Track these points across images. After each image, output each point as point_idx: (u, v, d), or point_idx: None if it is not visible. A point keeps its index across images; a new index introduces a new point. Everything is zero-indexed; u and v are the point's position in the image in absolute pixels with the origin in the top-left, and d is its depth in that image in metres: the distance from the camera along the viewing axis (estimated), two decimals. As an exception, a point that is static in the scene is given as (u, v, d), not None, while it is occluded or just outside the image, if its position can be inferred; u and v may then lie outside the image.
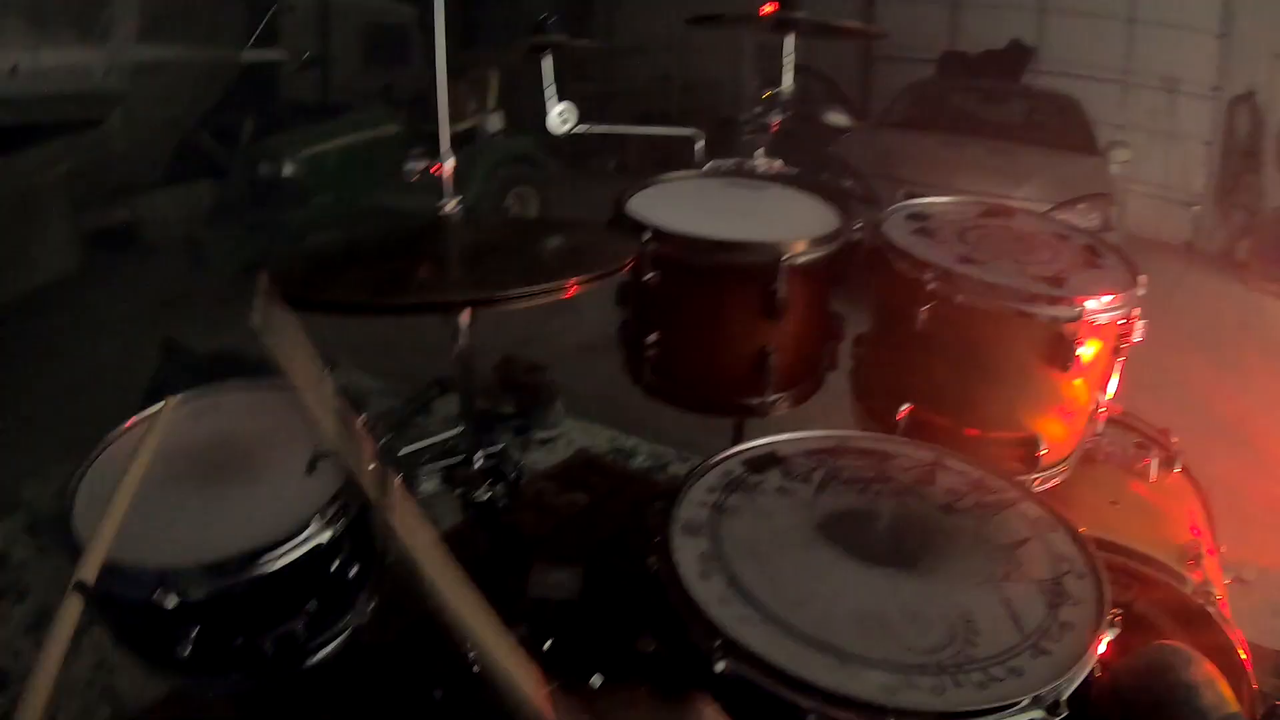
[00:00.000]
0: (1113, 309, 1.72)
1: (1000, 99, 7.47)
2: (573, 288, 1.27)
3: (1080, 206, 5.77)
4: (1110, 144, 6.68)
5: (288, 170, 6.17)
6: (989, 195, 5.18)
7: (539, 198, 7.35)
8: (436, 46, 1.52)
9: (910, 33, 8.11)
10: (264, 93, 7.85)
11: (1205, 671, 1.44)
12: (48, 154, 5.77)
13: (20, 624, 2.70)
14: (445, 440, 1.76)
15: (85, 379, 4.55)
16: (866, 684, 1.06)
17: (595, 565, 2.46)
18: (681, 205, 2.10)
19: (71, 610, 1.21)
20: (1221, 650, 1.63)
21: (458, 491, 1.67)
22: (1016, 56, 8.08)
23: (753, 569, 1.25)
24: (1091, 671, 1.15)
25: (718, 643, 1.10)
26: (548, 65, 2.02)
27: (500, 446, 1.67)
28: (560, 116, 2.00)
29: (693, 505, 1.40)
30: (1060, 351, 1.69)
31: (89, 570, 1.25)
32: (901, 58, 8.90)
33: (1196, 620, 1.74)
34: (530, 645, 1.82)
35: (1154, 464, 2.23)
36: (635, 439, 3.75)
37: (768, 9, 2.40)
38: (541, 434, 3.61)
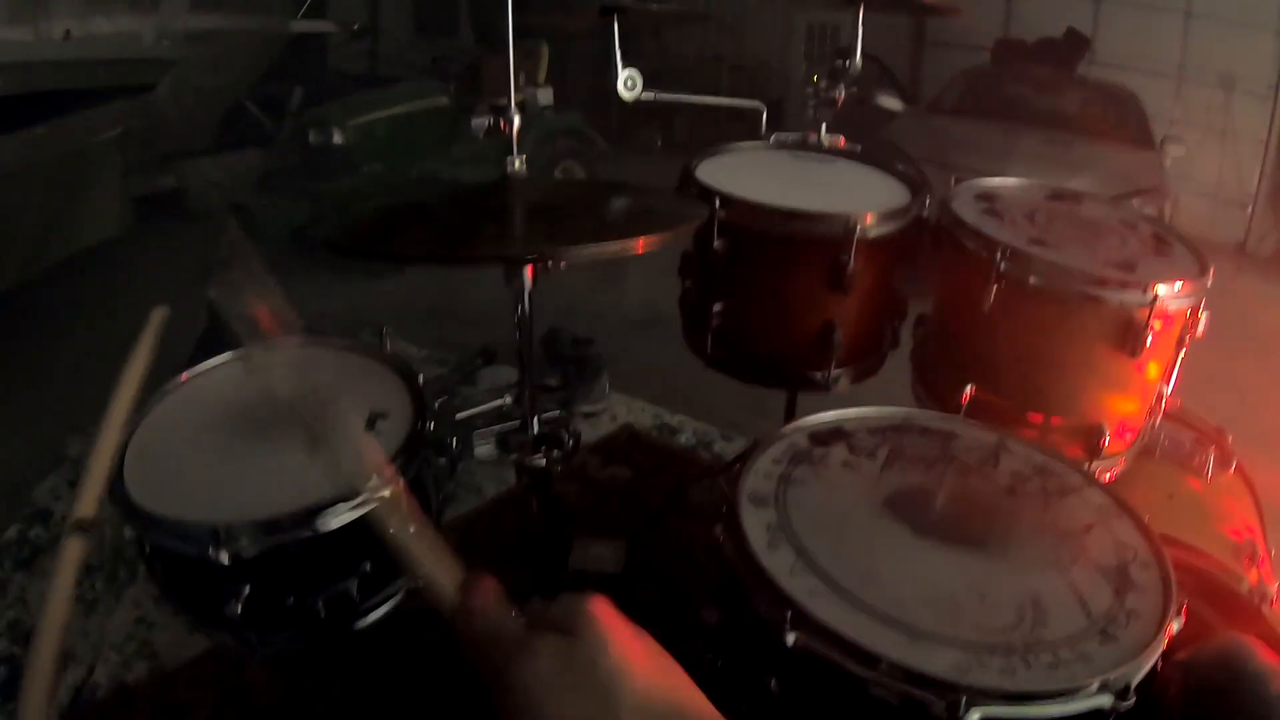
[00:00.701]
0: (1184, 297, 1.67)
1: (1055, 89, 7.36)
2: (642, 245, 1.24)
3: (1134, 201, 5.69)
4: (1165, 139, 6.57)
5: (338, 138, 6.23)
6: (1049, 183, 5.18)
7: (586, 173, 7.36)
8: (504, 17, 1.50)
9: (964, 18, 8.00)
10: (313, 63, 7.92)
11: (1272, 662, 1.41)
12: (98, 119, 5.85)
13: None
14: (498, 407, 1.75)
15: (130, 340, 4.60)
16: (939, 661, 1.04)
17: (637, 540, 2.46)
18: (750, 175, 2.07)
19: (73, 551, 1.20)
20: (1276, 651, 1.60)
21: (512, 457, 1.66)
22: (1073, 46, 7.95)
23: (821, 542, 1.23)
24: (1155, 666, 1.13)
25: (789, 614, 1.08)
26: (615, 30, 1.99)
27: (556, 413, 1.66)
28: (627, 81, 1.98)
29: (759, 476, 1.38)
30: (1130, 337, 1.66)
31: (87, 505, 1.24)
32: (955, 44, 8.82)
33: (1252, 619, 1.70)
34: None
35: (1210, 462, 2.20)
36: (680, 415, 3.74)
37: None
38: (586, 408, 3.60)
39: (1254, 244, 8.14)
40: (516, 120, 1.49)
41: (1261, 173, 8.08)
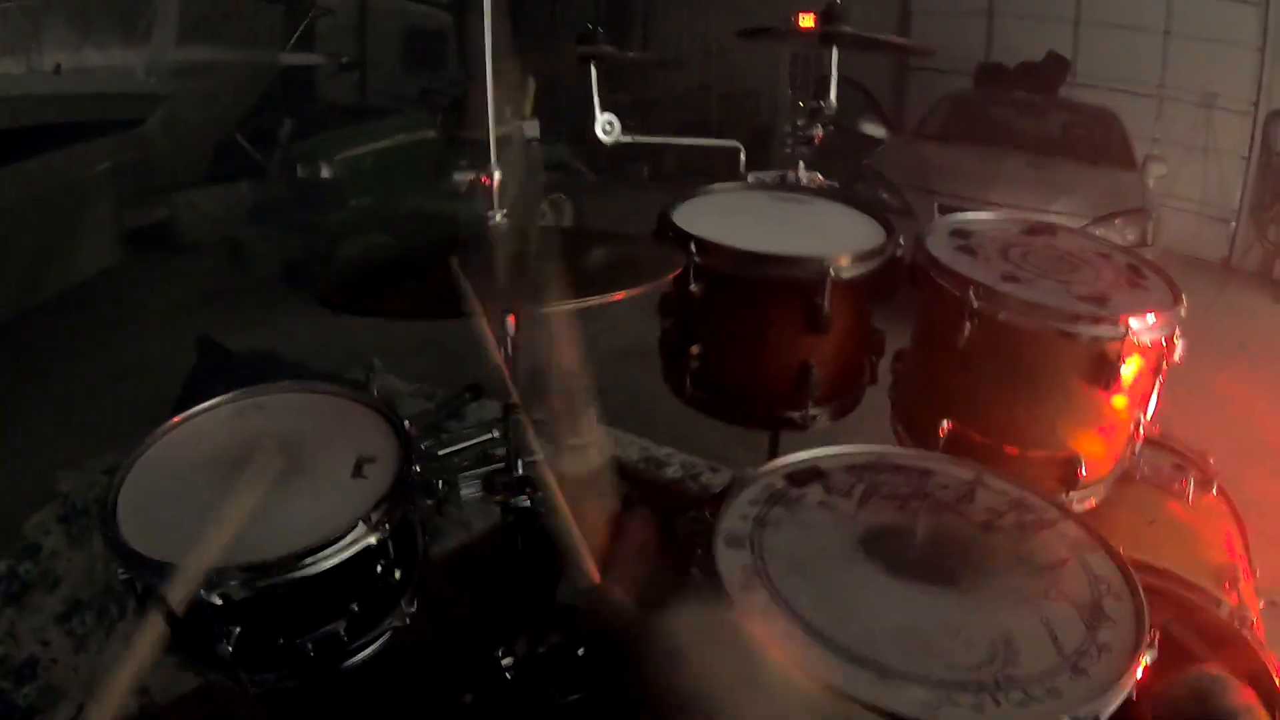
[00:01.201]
0: (1156, 329, 1.71)
1: (1038, 111, 7.41)
2: (620, 296, 1.28)
3: (1117, 222, 5.73)
4: (1147, 159, 6.63)
5: (326, 172, 6.25)
6: (1025, 209, 5.23)
7: (574, 206, 7.39)
8: (485, 56, 1.54)
9: (946, 44, 8.10)
10: (302, 95, 7.95)
11: (1244, 698, 1.43)
12: (90, 152, 5.88)
13: (51, 613, 2.73)
14: (482, 443, 1.77)
15: (121, 374, 4.62)
16: (908, 700, 1.07)
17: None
18: (727, 217, 2.11)
19: (154, 632, 1.21)
20: (1256, 675, 1.62)
21: (497, 498, 1.68)
22: (1054, 69, 8.01)
23: (795, 583, 1.25)
24: (1129, 695, 1.15)
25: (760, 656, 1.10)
26: (593, 75, 2.03)
27: (539, 455, 1.68)
28: (605, 126, 2.01)
29: (735, 517, 1.40)
30: (1103, 371, 1.69)
31: (177, 596, 1.25)
32: (937, 69, 8.88)
33: (1232, 643, 1.72)
34: (563, 652, 1.84)
35: (1191, 485, 2.22)
36: (667, 448, 3.75)
37: (807, 23, 2.40)
38: (574, 440, 3.61)
39: (1238, 258, 8.19)
40: (497, 176, 1.52)
41: (1244, 188, 8.13)
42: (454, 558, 2.66)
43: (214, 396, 1.76)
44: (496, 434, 1.74)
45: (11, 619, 2.73)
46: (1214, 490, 2.27)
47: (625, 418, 3.88)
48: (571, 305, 1.26)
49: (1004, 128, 7.20)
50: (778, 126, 9.45)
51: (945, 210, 4.99)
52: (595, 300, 1.26)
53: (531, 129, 6.94)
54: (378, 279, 1.56)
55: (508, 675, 1.79)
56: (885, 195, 5.87)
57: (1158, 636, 1.21)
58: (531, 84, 6.91)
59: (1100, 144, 6.78)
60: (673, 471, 3.60)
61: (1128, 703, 1.15)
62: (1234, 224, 8.18)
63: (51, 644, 2.60)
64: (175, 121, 6.59)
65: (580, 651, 1.84)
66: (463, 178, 1.48)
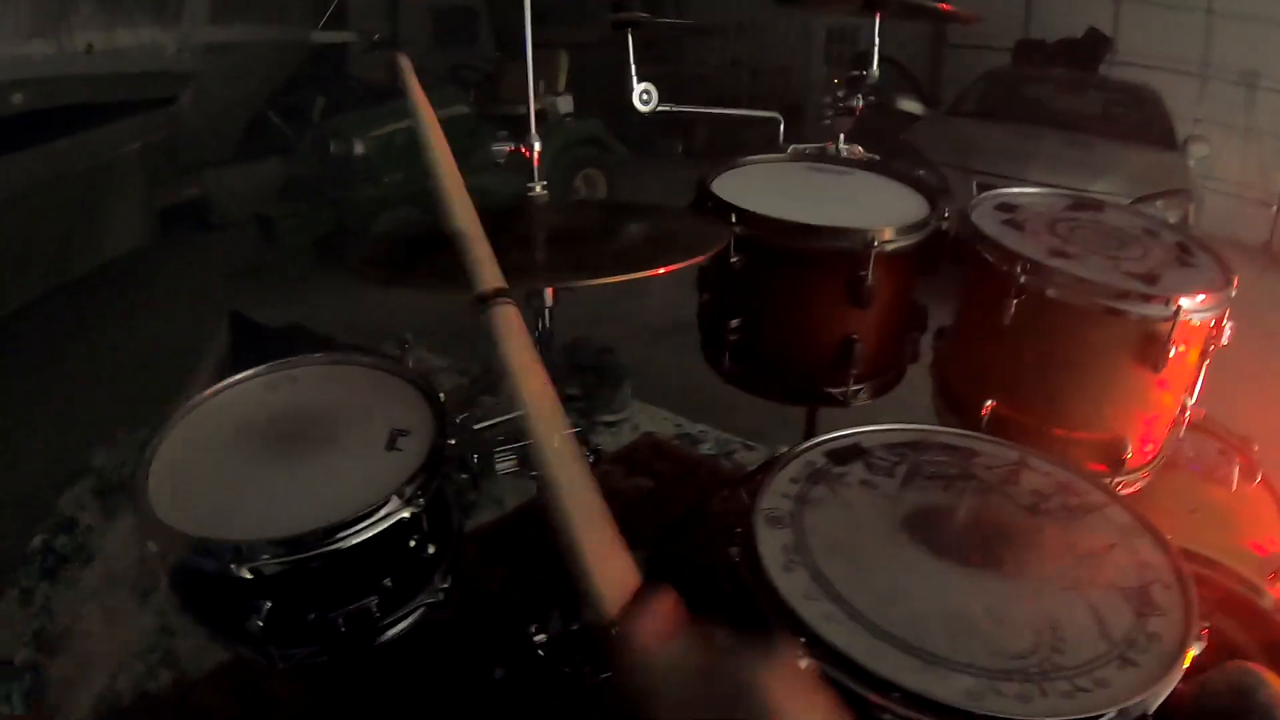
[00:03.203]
0: (1206, 309, 1.66)
1: (1077, 89, 7.30)
2: (660, 271, 1.26)
3: (1158, 203, 5.63)
4: (1188, 139, 6.50)
5: (358, 149, 6.26)
6: (1064, 188, 5.14)
7: (607, 181, 7.36)
8: (523, 30, 1.51)
9: (985, 20, 7.95)
10: (334, 73, 7.96)
11: None
12: (121, 131, 5.92)
13: (86, 588, 2.76)
14: (517, 418, 1.76)
15: (154, 350, 4.66)
16: (952, 688, 1.04)
17: (659, 551, 2.46)
18: (767, 188, 2.07)
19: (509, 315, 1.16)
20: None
21: (532, 473, 1.67)
22: (1094, 46, 7.89)
23: (837, 564, 1.22)
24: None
25: (802, 639, 1.08)
26: (629, 44, 1.99)
27: (576, 428, 1.67)
28: (642, 96, 1.98)
29: (776, 495, 1.37)
30: (1152, 351, 1.64)
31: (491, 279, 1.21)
32: (974, 45, 8.77)
33: (1274, 636, 1.68)
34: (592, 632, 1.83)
35: (1235, 473, 2.17)
36: (702, 425, 3.73)
37: None
38: (608, 417, 3.61)
39: (1280, 242, 8.06)
40: (537, 146, 1.50)
41: (1288, 170, 7.99)
42: (487, 533, 2.66)
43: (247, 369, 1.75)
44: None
45: (47, 593, 2.76)
46: (1258, 479, 2.23)
47: (660, 394, 3.88)
48: (612, 280, 1.23)
49: (1043, 106, 7.09)
50: (810, 103, 9.35)
51: (983, 187, 4.93)
52: (636, 275, 1.23)
53: (565, 104, 6.94)
54: (410, 252, 1.54)
55: (540, 652, 1.78)
56: (922, 172, 5.81)
57: (1207, 628, 1.17)
58: (564, 59, 6.88)
59: (1141, 123, 6.66)
60: (707, 448, 3.58)
61: (1173, 693, 1.12)
62: (1275, 207, 8.02)
63: (85, 617, 2.62)
64: (206, 100, 6.61)
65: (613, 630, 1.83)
66: (501, 148, 1.45)
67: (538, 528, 1.82)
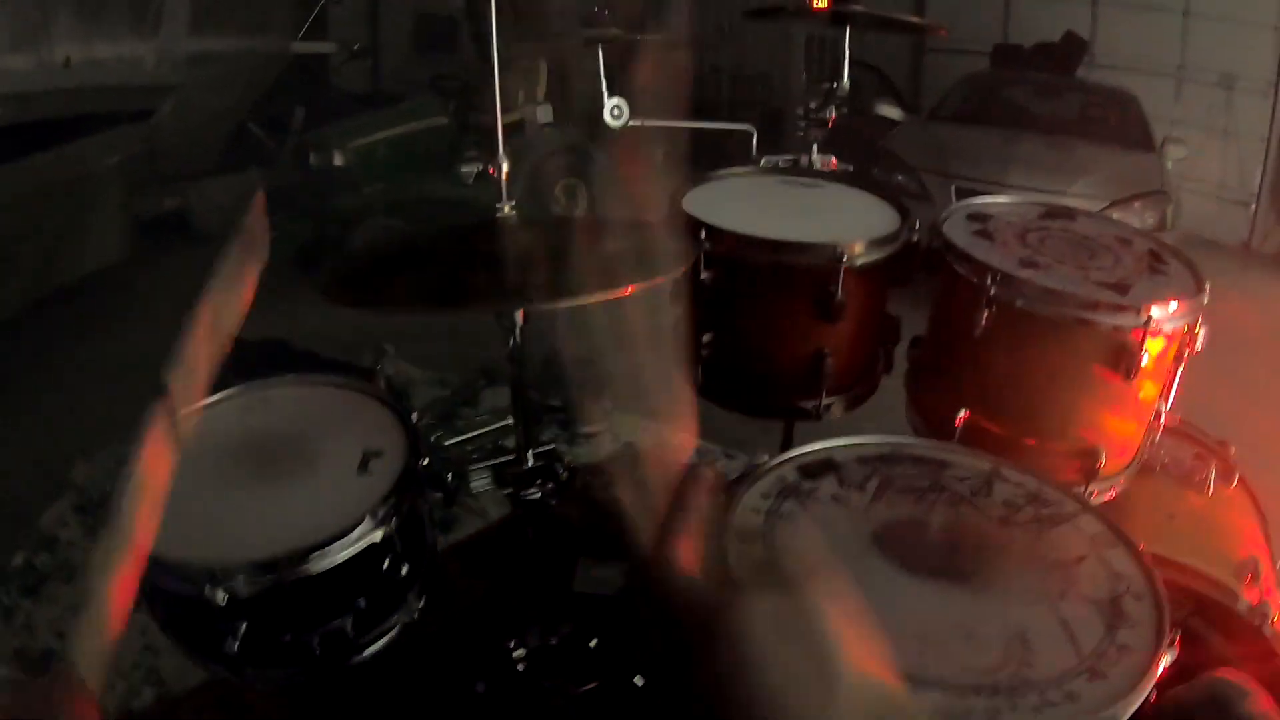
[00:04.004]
0: (1178, 317, 1.67)
1: (1055, 93, 7.35)
2: (629, 290, 1.26)
3: (1136, 204, 5.67)
4: (1166, 140, 6.55)
5: (338, 160, 6.25)
6: (1043, 191, 5.18)
7: (587, 190, 7.36)
8: (491, 44, 1.51)
9: (962, 24, 7.99)
10: (314, 83, 7.95)
11: (1262, 707, 1.40)
12: (101, 144, 5.88)
13: (68, 604, 2.74)
14: (494, 432, 1.76)
15: (135, 364, 4.61)
16: (922, 704, 1.04)
17: (638, 562, 2.45)
18: (738, 203, 2.07)
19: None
20: (1276, 673, 1.59)
21: (507, 491, 1.67)
22: (1071, 49, 7.93)
23: (807, 580, 1.23)
24: (1147, 697, 1.13)
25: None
26: (600, 60, 2.00)
27: (550, 446, 1.67)
28: (613, 111, 1.98)
29: (746, 511, 1.38)
30: (1124, 360, 1.65)
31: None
32: (953, 50, 8.80)
33: (1251, 641, 1.69)
34: (576, 642, 1.83)
35: (1212, 476, 2.19)
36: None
37: (820, 2, 2.36)
38: (588, 428, 3.60)
39: (1258, 242, 8.10)
40: (505, 167, 1.50)
41: (1264, 171, 8.03)
42: (469, 545, 2.65)
43: (224, 387, 1.74)
44: (510, 420, 1.72)
45: (29, 611, 2.73)
46: (1235, 481, 2.24)
47: (640, 404, 3.86)
48: (580, 301, 1.24)
49: (1021, 109, 7.14)
50: (791, 110, 9.37)
51: (962, 193, 4.98)
52: (602, 297, 1.24)
53: (544, 113, 6.94)
54: (384, 269, 1.54)
55: (519, 666, 1.78)
56: (901, 178, 5.84)
57: (1178, 637, 1.18)
58: (543, 68, 6.88)
59: (1118, 126, 6.71)
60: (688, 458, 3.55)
61: (1145, 704, 1.12)
62: (1254, 207, 8.09)
63: (68, 635, 2.60)
64: (186, 111, 6.59)
65: (592, 643, 1.83)
66: (469, 170, 1.45)
67: (520, 540, 1.83)
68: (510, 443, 1.74)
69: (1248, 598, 1.89)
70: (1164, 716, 1.27)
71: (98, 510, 3.16)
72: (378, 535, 1.40)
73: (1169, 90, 8.17)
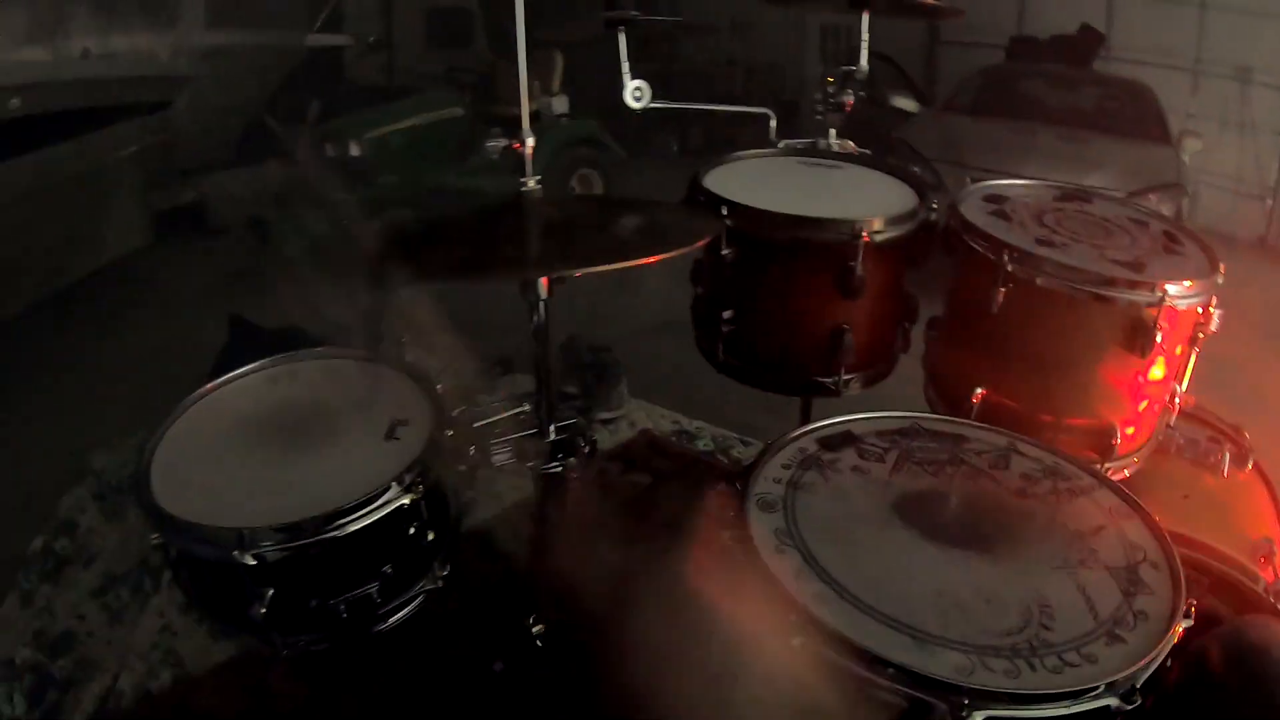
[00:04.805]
0: (1193, 295, 1.68)
1: (1071, 85, 7.31)
2: (652, 260, 1.28)
3: (1152, 197, 5.65)
4: (1182, 134, 6.52)
5: (354, 151, 6.28)
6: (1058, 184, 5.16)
7: (603, 181, 7.37)
8: (516, 31, 1.53)
9: (977, 16, 7.97)
10: (329, 76, 7.96)
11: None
12: (117, 136, 5.91)
13: (87, 588, 2.77)
14: (516, 415, 1.78)
15: (153, 353, 4.66)
16: (942, 664, 1.06)
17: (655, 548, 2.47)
18: (758, 182, 2.08)
19: None
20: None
21: (529, 464, 1.69)
22: (1087, 41, 7.90)
23: (828, 547, 1.25)
24: (1165, 665, 1.14)
25: (793, 618, 1.10)
26: (622, 40, 2.01)
27: (573, 420, 1.69)
28: (635, 93, 2.00)
29: (768, 481, 1.39)
30: (1139, 337, 1.66)
31: None
32: (968, 42, 8.78)
33: (1268, 616, 1.71)
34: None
35: (1226, 459, 2.19)
36: (699, 421, 3.73)
37: None
38: (604, 414, 3.61)
39: (1275, 237, 8.05)
40: (530, 143, 1.51)
41: (1282, 164, 8.01)
42: (485, 529, 2.67)
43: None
44: (528, 407, 1.74)
45: (48, 594, 2.77)
46: (1249, 465, 2.24)
47: (656, 391, 3.88)
48: (603, 269, 1.25)
49: (1036, 101, 7.11)
50: (805, 101, 9.35)
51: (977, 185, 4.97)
52: (627, 264, 1.25)
53: (560, 105, 6.96)
54: (413, 244, 1.56)
55: (538, 643, 1.80)
56: (916, 169, 5.82)
57: (1194, 605, 1.19)
58: (559, 59, 6.89)
59: (1134, 118, 6.67)
60: (704, 444, 3.58)
61: (1163, 666, 1.14)
62: (1270, 201, 8.04)
63: (87, 618, 2.63)
64: (202, 104, 6.62)
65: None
66: (495, 145, 1.47)
67: (535, 522, 1.84)
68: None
69: (1264, 576, 1.89)
70: (1211, 654, 1.28)
71: (115, 495, 3.19)
72: (405, 500, 1.42)
73: (1185, 83, 8.13)
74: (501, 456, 1.66)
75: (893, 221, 1.88)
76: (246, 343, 3.82)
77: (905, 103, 6.77)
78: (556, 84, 6.99)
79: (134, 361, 4.67)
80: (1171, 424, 1.95)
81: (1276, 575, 1.97)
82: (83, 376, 4.64)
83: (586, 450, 1.70)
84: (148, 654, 2.44)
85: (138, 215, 6.26)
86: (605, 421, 3.61)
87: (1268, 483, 2.29)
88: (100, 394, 4.33)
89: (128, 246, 6.12)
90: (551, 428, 1.67)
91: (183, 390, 1.70)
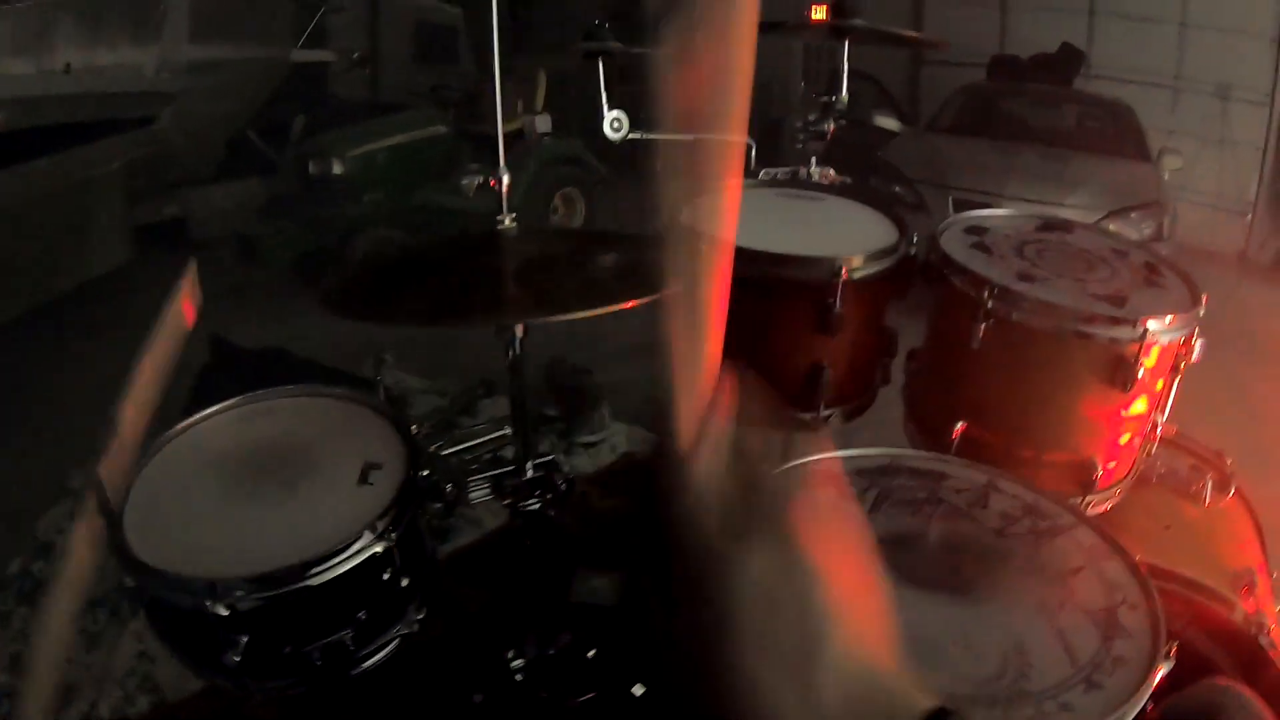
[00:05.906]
0: (1174, 329, 1.67)
1: (1052, 104, 7.39)
2: (629, 305, 1.26)
3: (1133, 215, 5.69)
4: (1162, 151, 6.58)
5: (338, 168, 6.27)
6: (1040, 202, 5.20)
7: (586, 200, 7.37)
8: (493, 55, 1.52)
9: (959, 36, 8.03)
10: (314, 92, 7.97)
11: (1257, 713, 1.41)
12: (101, 151, 5.91)
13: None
14: (492, 442, 1.77)
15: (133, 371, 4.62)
16: (919, 713, 1.05)
17: (635, 572, 2.46)
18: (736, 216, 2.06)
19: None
20: (1272, 683, 1.60)
21: (505, 501, 1.67)
22: (1068, 60, 7.97)
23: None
24: (1144, 708, 1.13)
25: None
26: (599, 72, 2.01)
27: (550, 457, 1.67)
28: (613, 124, 1.99)
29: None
30: (1120, 373, 1.66)
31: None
32: (950, 61, 8.83)
33: (1247, 650, 1.70)
34: (574, 653, 1.83)
35: (1208, 487, 2.19)
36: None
37: (819, 16, 2.37)
38: (586, 438, 3.60)
39: (1255, 251, 8.13)
40: (506, 179, 1.50)
41: (1260, 180, 8.07)
42: (466, 555, 2.66)
43: (224, 396, 1.75)
44: (509, 430, 1.72)
45: (25, 618, 2.74)
46: (1231, 492, 2.25)
47: (639, 414, 3.87)
48: (577, 316, 1.24)
49: (1018, 121, 7.17)
50: (790, 120, 9.39)
51: (959, 204, 4.99)
52: (602, 310, 1.24)
53: (543, 123, 6.96)
54: (385, 280, 1.55)
55: (517, 677, 1.79)
56: (898, 189, 5.85)
57: (1174, 647, 1.19)
58: (543, 78, 6.89)
59: (1115, 136, 6.74)
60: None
61: (1141, 712, 1.13)
62: (1250, 216, 8.12)
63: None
64: (186, 119, 6.61)
65: (590, 654, 1.83)
66: (470, 181, 1.45)
67: (514, 553, 1.83)
68: (508, 453, 1.74)
69: (1244, 608, 1.89)
70: None
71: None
72: (378, 547, 1.40)
73: (1166, 101, 8.22)
74: (478, 494, 1.65)
75: (873, 257, 1.87)
76: (227, 363, 3.80)
77: (888, 122, 6.81)
78: (540, 102, 6.99)
79: (115, 378, 4.63)
80: (1153, 454, 1.95)
81: (1258, 606, 1.97)
82: (62, 393, 4.60)
83: (563, 486, 1.69)
84: (125, 680, 2.41)
85: (120, 230, 6.24)
86: (587, 445, 3.60)
87: (1250, 510, 2.30)
88: (80, 411, 4.28)
89: (110, 262, 6.10)
90: (528, 465, 1.65)
91: (163, 409, 1.68)
